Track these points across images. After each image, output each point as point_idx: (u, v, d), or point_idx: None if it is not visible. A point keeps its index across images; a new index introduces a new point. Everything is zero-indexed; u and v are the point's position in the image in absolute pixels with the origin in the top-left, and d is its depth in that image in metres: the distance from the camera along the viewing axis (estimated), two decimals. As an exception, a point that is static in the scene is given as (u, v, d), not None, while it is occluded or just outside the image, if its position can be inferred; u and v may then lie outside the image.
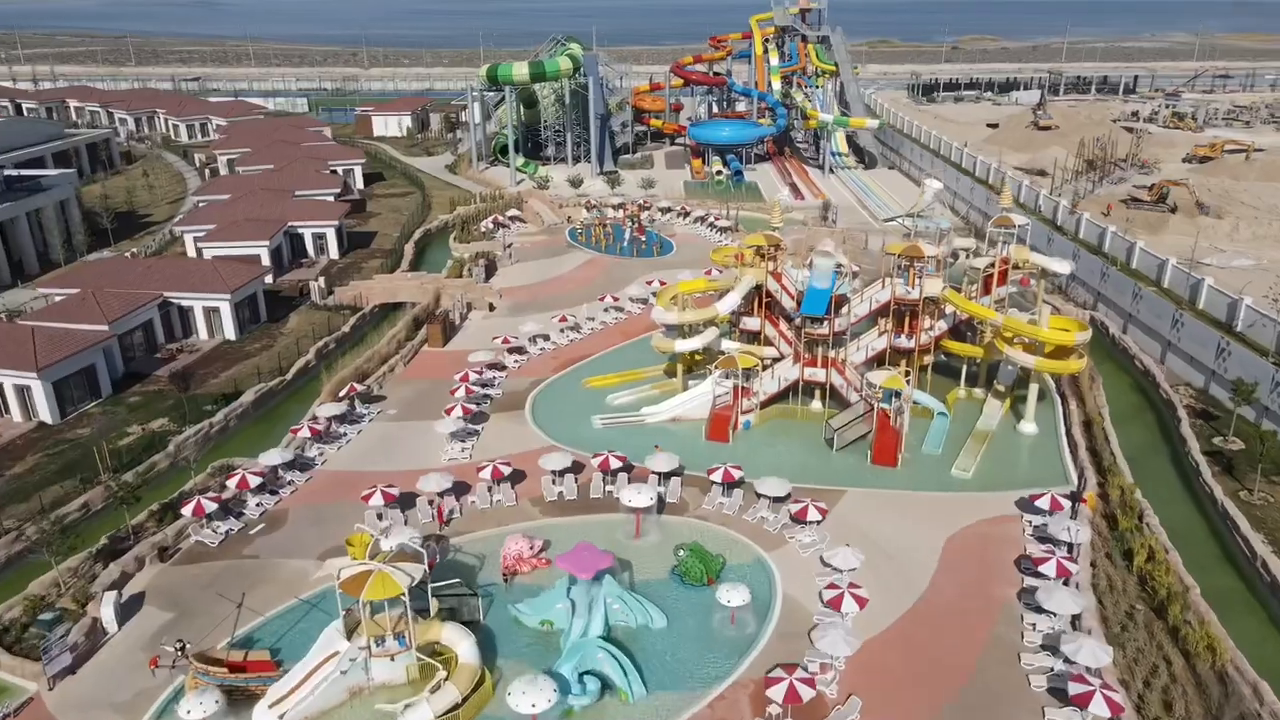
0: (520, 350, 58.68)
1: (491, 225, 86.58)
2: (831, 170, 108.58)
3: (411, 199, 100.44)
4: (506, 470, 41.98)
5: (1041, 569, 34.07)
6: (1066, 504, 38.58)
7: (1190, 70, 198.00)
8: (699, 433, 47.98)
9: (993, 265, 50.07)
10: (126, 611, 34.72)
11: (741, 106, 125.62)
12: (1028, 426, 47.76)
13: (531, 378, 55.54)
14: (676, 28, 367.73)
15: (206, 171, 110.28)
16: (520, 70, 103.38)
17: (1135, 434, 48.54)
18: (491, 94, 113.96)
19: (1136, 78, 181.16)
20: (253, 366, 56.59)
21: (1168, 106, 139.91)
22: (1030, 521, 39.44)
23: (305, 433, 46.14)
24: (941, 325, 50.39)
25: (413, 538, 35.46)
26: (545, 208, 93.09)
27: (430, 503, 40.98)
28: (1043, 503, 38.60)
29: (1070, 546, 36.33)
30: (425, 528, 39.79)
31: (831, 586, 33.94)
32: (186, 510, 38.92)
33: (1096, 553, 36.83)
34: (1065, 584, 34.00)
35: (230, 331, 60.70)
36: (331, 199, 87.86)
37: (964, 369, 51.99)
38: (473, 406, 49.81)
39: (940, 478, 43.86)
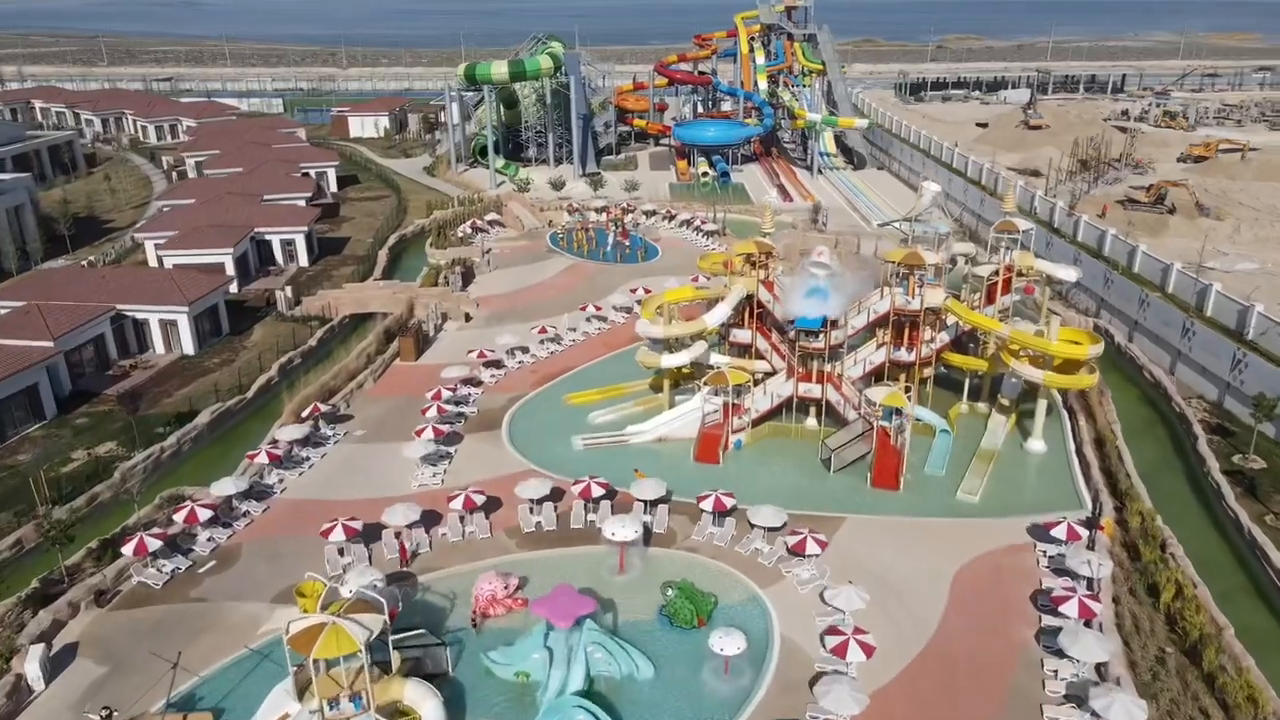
0: (497, 364, 55.45)
1: (470, 230, 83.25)
2: (820, 171, 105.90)
3: (387, 203, 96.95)
4: (480, 499, 38.80)
5: (1063, 609, 31.18)
6: (1084, 533, 35.79)
7: (1177, 68, 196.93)
8: (687, 454, 44.98)
9: (997, 273, 47.34)
10: (56, 665, 31.35)
11: (727, 106, 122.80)
12: (1036, 444, 45.01)
13: (509, 394, 52.35)
14: (661, 27, 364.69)
15: (174, 174, 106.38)
16: (499, 69, 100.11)
17: (1147, 451, 45.84)
18: (471, 94, 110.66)
19: (1125, 76, 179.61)
20: (212, 384, 53.12)
21: (1158, 105, 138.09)
22: (1045, 551, 36.65)
23: (263, 458, 42.72)
24: (943, 337, 47.60)
25: (375, 581, 32.37)
26: (525, 211, 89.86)
27: (397, 535, 37.72)
28: (1059, 531, 35.76)
29: (1090, 581, 33.50)
30: (391, 564, 36.64)
31: (834, 632, 30.94)
32: (128, 549, 35.51)
33: (1119, 587, 34.02)
34: (1088, 625, 31.22)
35: (188, 346, 57.17)
36: (303, 203, 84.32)
37: (966, 382, 49.19)
38: (444, 427, 46.55)
39: (945, 502, 41.02)
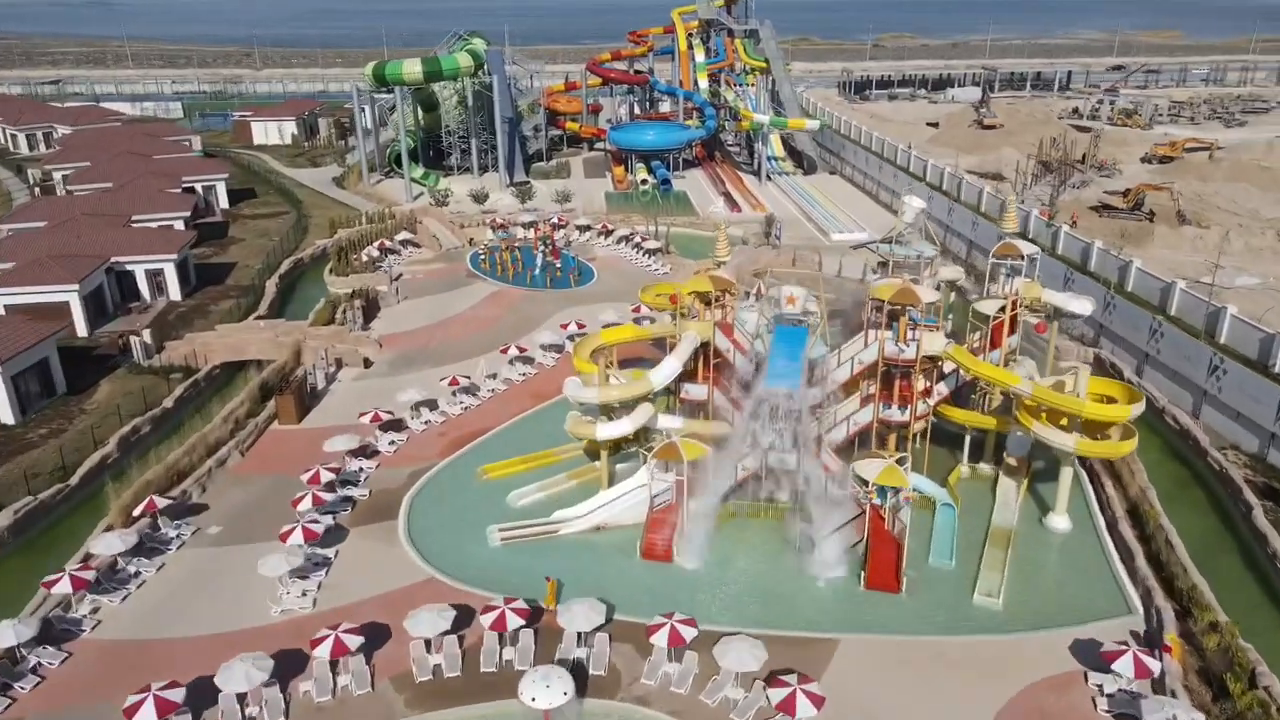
0: (398, 425, 45.40)
1: (377, 252, 72.48)
2: (768, 177, 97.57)
3: (285, 220, 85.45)
4: (355, 642, 28.86)
5: (1155, 801, 22.67)
6: (1155, 665, 27.37)
7: (1118, 65, 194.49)
8: (631, 546, 35.67)
9: (1003, 310, 38.95)
10: None
11: (666, 107, 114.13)
12: (1058, 521, 36.77)
13: (411, 466, 42.35)
14: (594, 28, 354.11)
15: (39, 190, 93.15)
16: (412, 68, 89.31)
17: (1187, 522, 37.65)
18: (386, 95, 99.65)
19: (1070, 74, 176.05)
20: (30, 466, 41.90)
21: (1110, 103, 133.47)
22: (1100, 686, 28.18)
23: (66, 585, 31.94)
24: (941, 389, 39.06)
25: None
26: (443, 228, 79.55)
27: (242, 699, 27.56)
28: (1123, 664, 27.22)
29: (1175, 742, 25.09)
30: (228, 747, 26.55)
31: None
32: None
33: (1211, 748, 25.65)
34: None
35: (6, 414, 45.71)
36: (180, 225, 72.71)
37: (966, 437, 40.82)
38: (322, 522, 36.44)
39: (961, 609, 32.39)
